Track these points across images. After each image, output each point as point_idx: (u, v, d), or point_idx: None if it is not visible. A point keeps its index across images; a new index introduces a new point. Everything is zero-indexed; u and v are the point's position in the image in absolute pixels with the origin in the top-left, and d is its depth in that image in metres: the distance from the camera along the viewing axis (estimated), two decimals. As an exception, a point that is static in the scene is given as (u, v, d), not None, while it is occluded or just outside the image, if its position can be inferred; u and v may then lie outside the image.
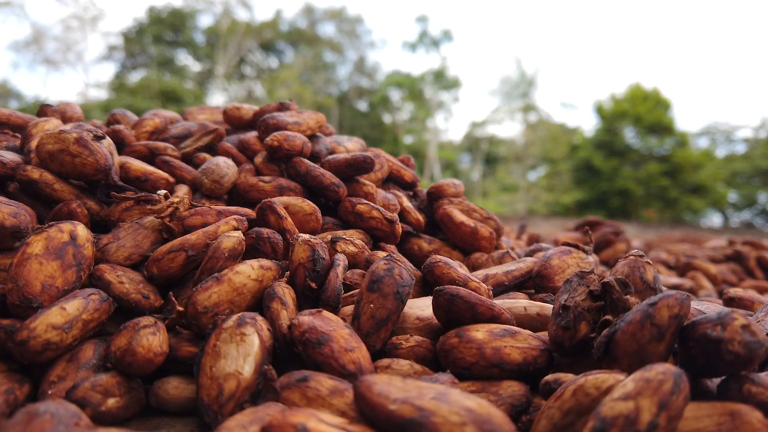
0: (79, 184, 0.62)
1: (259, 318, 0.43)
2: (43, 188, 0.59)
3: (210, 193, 0.69)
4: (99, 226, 0.61)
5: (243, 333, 0.41)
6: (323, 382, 0.37)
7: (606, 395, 0.31)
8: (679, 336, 0.36)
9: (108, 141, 0.63)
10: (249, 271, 0.48)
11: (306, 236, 0.53)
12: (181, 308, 0.47)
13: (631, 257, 0.48)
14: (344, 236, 0.63)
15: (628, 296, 0.42)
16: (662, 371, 0.29)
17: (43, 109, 0.83)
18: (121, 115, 0.89)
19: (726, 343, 0.33)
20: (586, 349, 0.43)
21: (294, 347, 0.43)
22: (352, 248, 0.61)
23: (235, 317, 0.43)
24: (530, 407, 0.41)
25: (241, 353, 0.40)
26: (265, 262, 0.50)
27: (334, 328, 0.43)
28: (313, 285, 0.51)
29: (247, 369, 0.40)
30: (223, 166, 0.71)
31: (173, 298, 0.48)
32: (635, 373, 0.30)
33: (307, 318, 0.43)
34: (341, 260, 0.53)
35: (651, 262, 0.47)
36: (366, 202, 0.69)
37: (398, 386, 0.31)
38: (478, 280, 0.56)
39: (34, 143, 0.65)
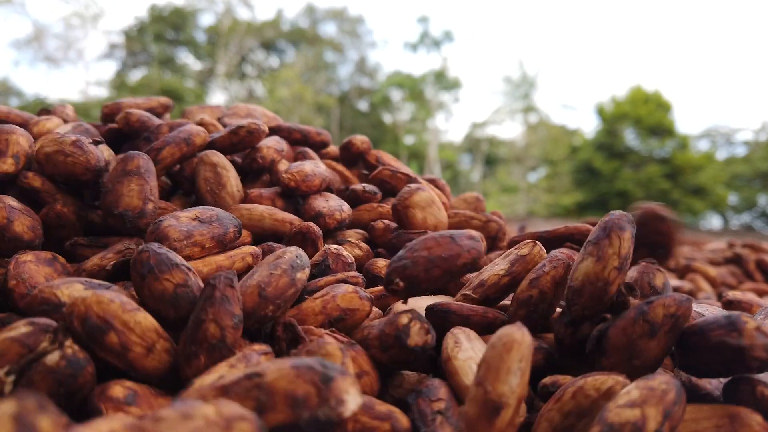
0: (70, 188, 0.62)
1: None
2: (45, 198, 0.58)
3: None
4: (98, 228, 0.61)
5: None
6: None
7: (605, 397, 0.31)
8: (685, 344, 0.35)
9: (105, 147, 0.63)
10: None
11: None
12: None
13: (642, 263, 0.48)
14: (350, 239, 0.62)
15: (631, 298, 0.42)
16: (665, 381, 0.29)
17: (42, 113, 0.83)
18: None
19: (749, 350, 0.32)
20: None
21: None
22: (357, 251, 0.61)
23: None
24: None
25: None
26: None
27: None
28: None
29: None
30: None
31: None
32: (638, 380, 0.30)
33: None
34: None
35: (663, 270, 0.47)
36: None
37: None
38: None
39: (36, 145, 0.65)
